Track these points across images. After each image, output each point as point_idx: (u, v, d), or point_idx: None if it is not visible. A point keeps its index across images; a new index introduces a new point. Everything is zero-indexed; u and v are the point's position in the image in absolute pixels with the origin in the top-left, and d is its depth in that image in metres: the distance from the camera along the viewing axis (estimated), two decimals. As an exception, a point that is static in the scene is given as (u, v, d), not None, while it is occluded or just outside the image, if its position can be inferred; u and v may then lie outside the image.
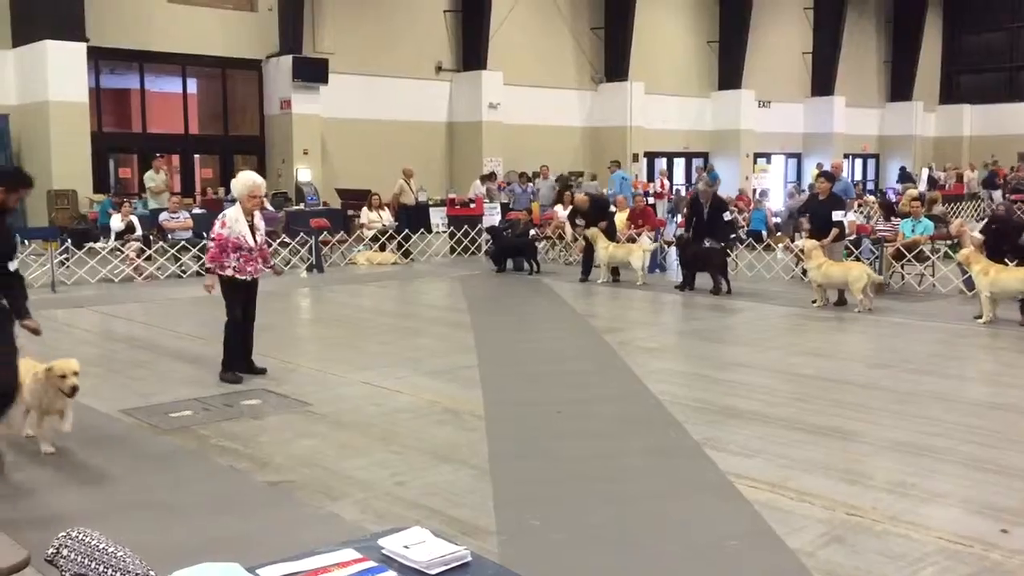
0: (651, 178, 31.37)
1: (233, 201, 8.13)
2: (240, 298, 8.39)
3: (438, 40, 27.51)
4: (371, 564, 2.43)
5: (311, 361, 9.27)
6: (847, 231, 13.41)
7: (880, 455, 6.30)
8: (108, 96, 23.63)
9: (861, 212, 23.01)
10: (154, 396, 7.84)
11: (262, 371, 8.55)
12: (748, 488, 5.59)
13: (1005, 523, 5.03)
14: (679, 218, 19.32)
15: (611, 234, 15.22)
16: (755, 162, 34.38)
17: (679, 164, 34.18)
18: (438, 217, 23.24)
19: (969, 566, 4.54)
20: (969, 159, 40.54)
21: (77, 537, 2.43)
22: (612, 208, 15.93)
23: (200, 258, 15.65)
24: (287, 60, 23.91)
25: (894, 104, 40.60)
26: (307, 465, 6.09)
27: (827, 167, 33.52)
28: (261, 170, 23.99)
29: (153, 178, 19.00)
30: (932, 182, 32.80)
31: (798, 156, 37.64)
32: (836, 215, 12.51)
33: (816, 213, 12.71)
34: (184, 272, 15.52)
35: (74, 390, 6.06)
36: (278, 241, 16.48)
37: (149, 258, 15.31)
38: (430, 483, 5.74)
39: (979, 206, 28.92)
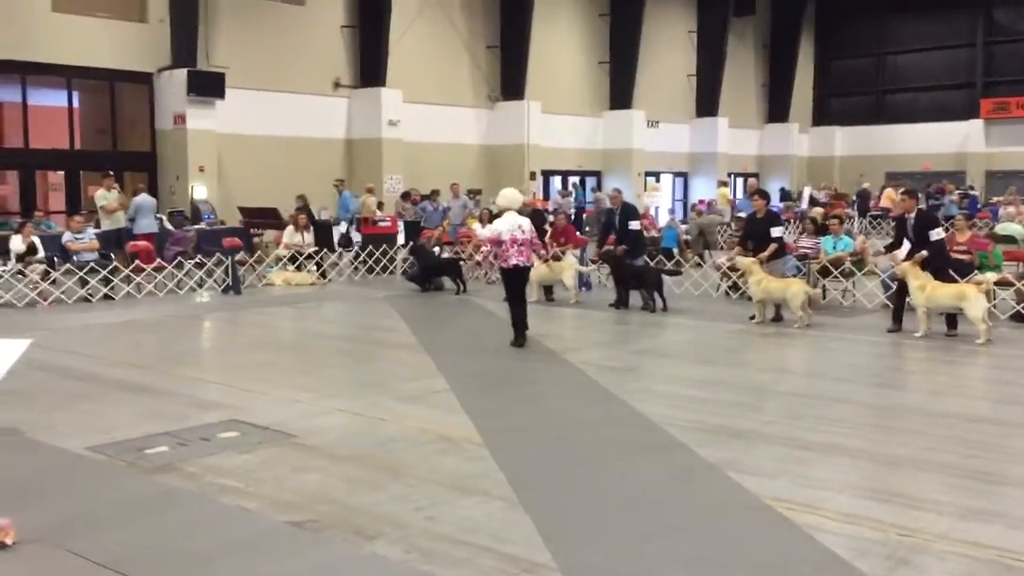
0: (547, 196, 31.59)
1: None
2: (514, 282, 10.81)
3: (335, 56, 26.95)
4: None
5: (273, 388, 8.77)
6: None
7: (894, 471, 6.35)
8: (-14, 109, 22.19)
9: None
10: (117, 431, 7.24)
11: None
12: (788, 511, 5.52)
13: (1053, 536, 5.11)
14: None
15: (541, 252, 15.10)
16: (645, 181, 34.97)
17: (573, 183, 34.43)
18: (341, 235, 22.77)
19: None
20: (839, 178, 42.50)
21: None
22: (546, 227, 15.83)
23: (109, 280, 14.83)
24: (181, 73, 22.94)
25: (772, 125, 42.10)
26: (322, 502, 5.70)
27: (714, 185, 34.59)
28: (153, 187, 22.94)
29: (105, 196, 17.69)
30: (813, 201, 34.14)
31: (684, 175, 38.55)
32: (774, 231, 12.74)
33: (755, 231, 12.92)
34: (92, 296, 14.58)
35: None
36: (193, 262, 15.72)
37: (54, 281, 14.33)
38: (463, 517, 5.45)
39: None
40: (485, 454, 6.70)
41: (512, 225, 10.55)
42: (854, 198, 34.47)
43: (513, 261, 10.53)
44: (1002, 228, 18.53)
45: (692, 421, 7.58)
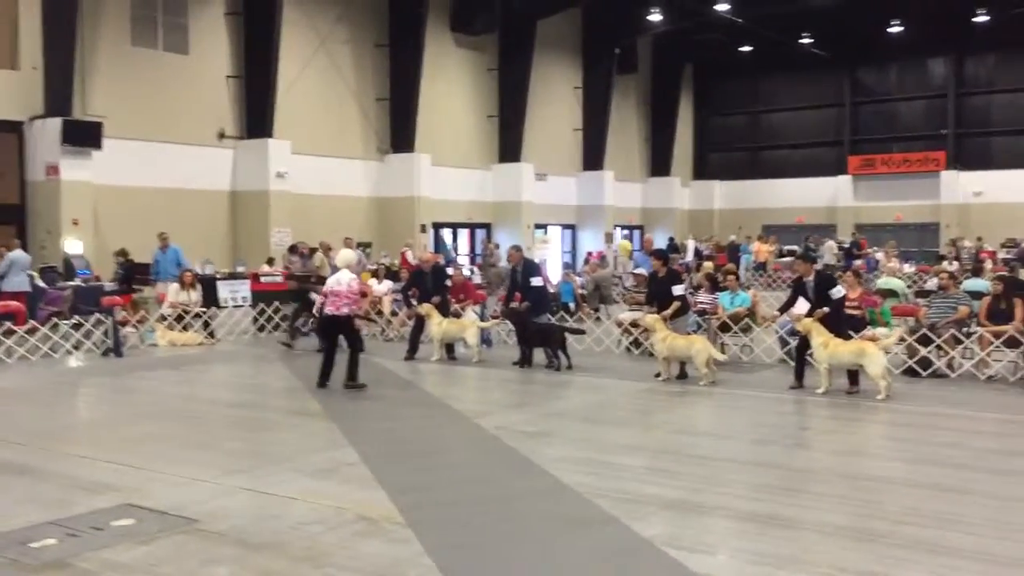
0: (438, 249, 31.29)
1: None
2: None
3: (220, 106, 26.22)
4: None
5: (167, 465, 8.13)
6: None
7: (833, 543, 6.19)
8: None
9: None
10: (-4, 521, 6.54)
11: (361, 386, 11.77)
12: (737, 592, 5.30)
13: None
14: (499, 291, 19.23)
15: (444, 309, 14.77)
16: (534, 233, 35.09)
17: (463, 235, 34.34)
18: (227, 291, 21.87)
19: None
20: (719, 230, 43.69)
21: None
22: (448, 282, 15.49)
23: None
24: (55, 123, 21.88)
25: (655, 179, 43.10)
26: (238, 601, 5.20)
27: (600, 238, 34.98)
28: (23, 242, 21.63)
29: None
30: (698, 254, 34.91)
31: (572, 227, 38.91)
32: (676, 290, 12.75)
33: (657, 290, 12.92)
34: (-43, 360, 13.50)
35: None
36: (69, 322, 14.77)
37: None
38: (396, 613, 5.03)
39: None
40: (409, 535, 6.28)
41: (335, 280, 11.90)
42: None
43: (326, 311, 11.83)
44: (884, 283, 19.10)
45: (618, 491, 7.32)
